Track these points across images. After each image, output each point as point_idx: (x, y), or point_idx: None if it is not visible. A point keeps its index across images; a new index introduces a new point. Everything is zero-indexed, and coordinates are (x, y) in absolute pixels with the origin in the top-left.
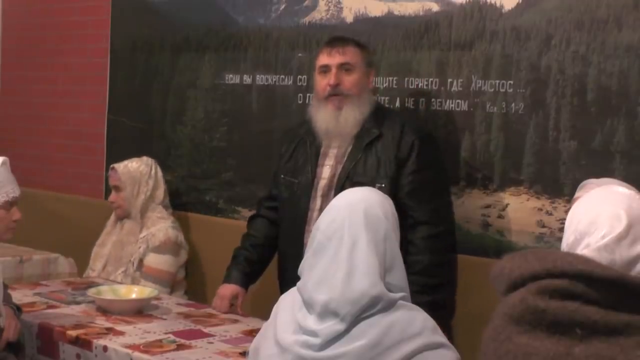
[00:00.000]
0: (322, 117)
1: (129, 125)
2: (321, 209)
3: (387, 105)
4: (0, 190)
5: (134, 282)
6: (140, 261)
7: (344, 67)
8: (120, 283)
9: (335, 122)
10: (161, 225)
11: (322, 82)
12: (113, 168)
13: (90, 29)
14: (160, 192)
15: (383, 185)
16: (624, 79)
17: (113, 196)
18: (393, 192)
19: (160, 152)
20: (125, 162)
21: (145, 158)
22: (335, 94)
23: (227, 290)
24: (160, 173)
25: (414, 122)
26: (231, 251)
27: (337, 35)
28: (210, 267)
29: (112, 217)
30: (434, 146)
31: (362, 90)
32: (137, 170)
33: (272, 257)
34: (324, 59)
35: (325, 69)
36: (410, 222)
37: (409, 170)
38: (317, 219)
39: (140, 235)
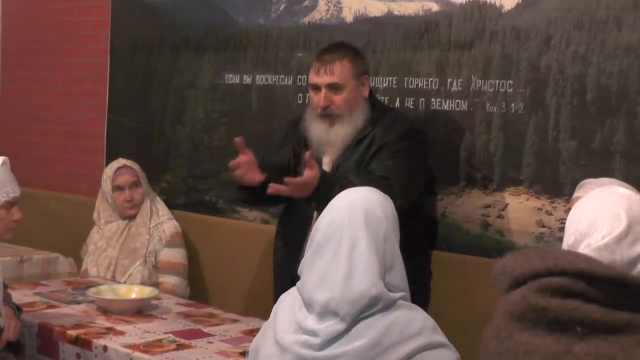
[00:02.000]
0: (315, 129)
1: (129, 125)
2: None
3: (386, 105)
4: (1, 190)
5: (152, 277)
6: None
7: (332, 88)
8: (122, 283)
9: (327, 136)
10: (166, 219)
11: (314, 99)
12: (124, 166)
13: (90, 29)
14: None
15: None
16: (624, 79)
17: (128, 195)
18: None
19: (160, 152)
20: (123, 161)
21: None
22: (327, 114)
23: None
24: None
25: (406, 119)
26: (231, 251)
27: (328, 47)
28: (211, 267)
29: (117, 219)
30: (422, 136)
31: (354, 106)
32: (137, 165)
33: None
34: (313, 77)
35: (316, 87)
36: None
37: (386, 151)
38: (317, 219)
39: (150, 224)
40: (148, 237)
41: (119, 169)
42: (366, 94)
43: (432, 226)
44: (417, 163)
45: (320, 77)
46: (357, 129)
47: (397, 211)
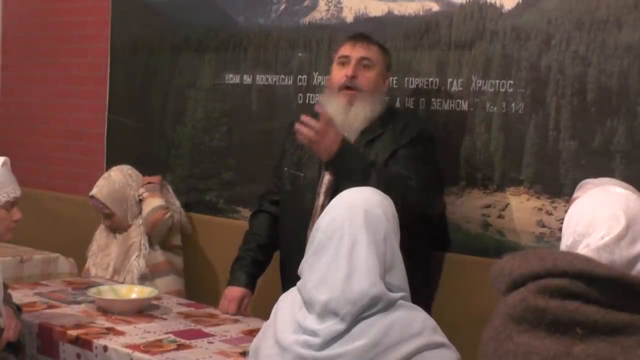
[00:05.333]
0: (332, 109)
1: (129, 125)
2: (324, 206)
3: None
4: (1, 190)
5: (153, 259)
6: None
7: (363, 62)
8: (121, 283)
9: (344, 116)
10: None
11: (339, 73)
12: (93, 197)
13: (90, 29)
14: (140, 182)
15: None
16: (624, 79)
17: (106, 222)
18: None
19: (160, 152)
20: (100, 185)
21: (114, 169)
22: (350, 86)
23: (236, 292)
24: (134, 171)
25: (417, 120)
26: (231, 251)
27: (362, 32)
28: (210, 267)
29: (106, 230)
30: (433, 142)
31: (377, 90)
32: (117, 189)
33: (274, 255)
34: (345, 50)
35: (345, 60)
36: None
37: (403, 154)
38: (320, 214)
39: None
40: (138, 230)
41: (90, 197)
42: (385, 89)
43: (439, 226)
44: (430, 168)
45: (355, 50)
46: (373, 119)
47: (414, 208)
